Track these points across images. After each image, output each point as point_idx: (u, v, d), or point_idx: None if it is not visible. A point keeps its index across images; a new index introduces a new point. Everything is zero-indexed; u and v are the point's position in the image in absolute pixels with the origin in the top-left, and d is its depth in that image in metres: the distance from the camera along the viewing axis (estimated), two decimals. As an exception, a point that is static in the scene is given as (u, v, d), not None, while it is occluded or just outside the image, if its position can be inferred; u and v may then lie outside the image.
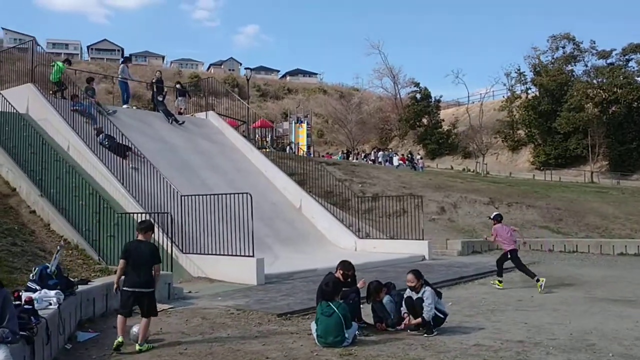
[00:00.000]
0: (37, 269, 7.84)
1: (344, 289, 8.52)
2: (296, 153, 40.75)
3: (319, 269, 14.13)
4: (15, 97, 18.36)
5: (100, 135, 16.98)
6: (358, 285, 8.61)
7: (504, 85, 57.25)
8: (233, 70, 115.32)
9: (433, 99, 61.79)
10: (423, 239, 18.06)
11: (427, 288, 8.37)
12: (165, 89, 23.77)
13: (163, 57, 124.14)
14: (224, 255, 13.05)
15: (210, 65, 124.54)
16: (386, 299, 8.71)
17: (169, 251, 13.30)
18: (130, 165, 16.19)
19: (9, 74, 20.79)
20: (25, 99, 18.06)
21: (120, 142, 16.76)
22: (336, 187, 22.08)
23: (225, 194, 13.29)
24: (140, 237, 7.67)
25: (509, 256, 12.99)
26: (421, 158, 48.44)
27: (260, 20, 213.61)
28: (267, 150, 30.37)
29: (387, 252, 17.81)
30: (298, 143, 45.82)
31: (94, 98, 19.58)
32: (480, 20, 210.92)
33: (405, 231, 18.66)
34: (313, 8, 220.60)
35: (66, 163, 14.54)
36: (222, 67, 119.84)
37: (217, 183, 18.73)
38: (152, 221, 8.64)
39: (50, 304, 7.26)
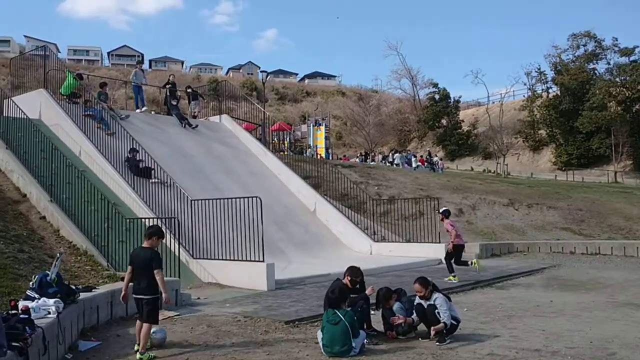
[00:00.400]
0: (36, 277, 7.68)
1: (352, 295, 8.24)
2: (314, 156, 40.65)
3: (331, 274, 13.81)
4: (28, 103, 18.42)
5: (130, 156, 16.43)
6: (367, 292, 8.29)
7: (524, 84, 56.56)
8: (252, 74, 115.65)
9: (452, 100, 61.17)
10: (440, 242, 17.65)
11: (438, 294, 8.05)
12: (179, 93, 23.70)
13: (182, 62, 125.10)
14: (233, 260, 12.83)
15: (229, 69, 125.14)
16: (396, 306, 8.39)
17: (178, 257, 13.15)
18: (151, 181, 15.82)
19: (31, 80, 20.81)
20: (38, 105, 18.08)
21: (145, 164, 16.27)
22: (351, 189, 21.77)
23: (235, 198, 13.08)
24: (145, 244, 7.57)
25: (454, 251, 13.96)
26: (440, 159, 47.86)
27: (280, 24, 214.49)
28: (285, 153, 30.22)
29: (403, 256, 17.48)
30: (316, 146, 45.69)
31: (106, 103, 19.52)
32: (500, 19, 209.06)
33: (422, 234, 18.27)
34: (331, 11, 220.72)
35: (75, 168, 14.41)
36: (241, 71, 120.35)
37: (230, 187, 18.55)
38: (160, 227, 8.40)
39: (49, 313, 7.08)
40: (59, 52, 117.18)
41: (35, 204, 13.93)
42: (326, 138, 48.06)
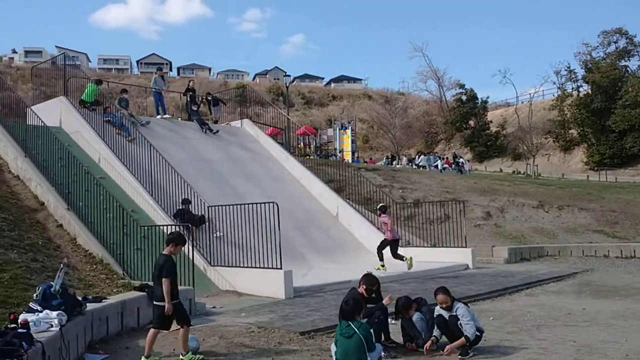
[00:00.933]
0: (40, 288, 7.44)
1: (368, 305, 7.82)
2: (340, 159, 40.20)
3: (353, 281, 13.33)
4: (49, 111, 18.46)
5: (183, 208, 14.64)
6: (384, 301, 7.85)
7: (554, 83, 55.26)
8: (278, 79, 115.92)
9: (479, 101, 60.13)
10: (466, 247, 17.09)
11: (460, 304, 7.58)
12: (201, 98, 23.54)
13: (210, 69, 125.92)
14: (251, 267, 12.51)
15: (256, 75, 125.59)
16: (416, 317, 7.94)
17: (192, 263, 12.87)
18: (216, 235, 14.19)
19: (53, 88, 20.84)
20: (59, 112, 18.06)
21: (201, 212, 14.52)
22: (375, 193, 21.27)
23: (252, 204, 12.75)
24: (164, 251, 7.63)
25: (388, 244, 15.44)
26: (467, 161, 46.98)
27: (306, 30, 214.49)
28: (310, 157, 29.81)
29: (428, 261, 16.92)
30: (342, 149, 45.25)
31: (127, 109, 19.43)
32: (527, 18, 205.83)
33: (448, 238, 17.69)
34: (358, 14, 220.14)
35: (90, 176, 14.26)
36: (267, 76, 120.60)
37: (251, 192, 18.27)
38: (180, 234, 8.20)
39: (52, 326, 6.82)
40: (90, 61, 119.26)
41: (53, 212, 13.80)
42: (352, 141, 47.56)
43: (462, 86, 61.37)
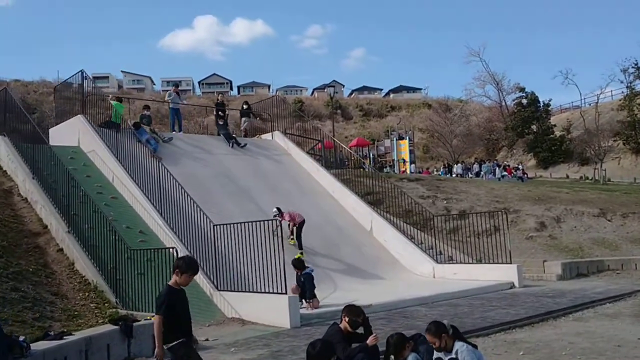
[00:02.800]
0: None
1: (353, 345, 6.45)
2: (398, 171, 38.57)
3: (374, 305, 12.03)
4: (68, 130, 18.05)
5: None
6: (368, 340, 6.43)
7: (621, 82, 51.63)
8: (336, 92, 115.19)
9: (541, 104, 57.03)
10: (511, 262, 15.28)
11: (461, 343, 6.08)
12: (227, 112, 22.70)
13: (269, 86, 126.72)
14: (256, 292, 11.32)
15: (314, 89, 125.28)
16: (411, 357, 6.46)
17: (200, 288, 11.82)
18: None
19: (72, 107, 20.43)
20: (77, 131, 17.56)
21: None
22: (416, 205, 19.66)
23: (255, 222, 11.52)
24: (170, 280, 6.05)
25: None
26: (520, 167, 44.35)
27: (367, 43, 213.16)
28: (364, 170, 28.36)
29: (469, 280, 15.28)
30: (400, 160, 43.65)
31: (149, 126, 18.75)
32: (585, 15, 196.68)
33: (496, 253, 15.85)
34: (416, 22, 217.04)
35: (88, 197, 13.51)
36: (326, 90, 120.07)
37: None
38: (186, 259, 6.47)
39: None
40: (154, 84, 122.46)
41: (55, 236, 13.07)
42: (411, 152, 45.89)
43: (522, 89, 58.44)
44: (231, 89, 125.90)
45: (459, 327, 9.95)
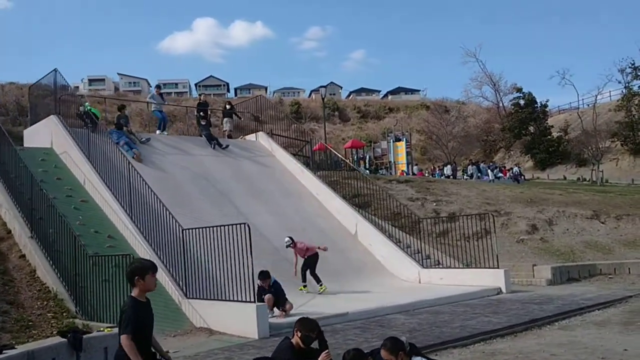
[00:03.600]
0: None
1: (306, 360, 5.87)
2: (395, 173, 37.87)
3: (350, 313, 11.45)
4: (41, 131, 17.46)
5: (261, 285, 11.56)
6: (320, 358, 5.83)
7: (619, 82, 51.05)
8: (334, 94, 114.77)
9: (539, 105, 56.44)
10: (499, 267, 14.69)
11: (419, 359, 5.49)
12: (209, 112, 22.12)
13: (266, 88, 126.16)
14: (224, 300, 10.73)
15: (312, 91, 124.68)
16: (369, 375, 5.88)
17: (168, 295, 11.24)
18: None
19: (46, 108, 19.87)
20: (50, 132, 17.00)
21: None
22: (404, 208, 19.07)
23: (223, 226, 10.93)
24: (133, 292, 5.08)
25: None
26: (513, 168, 43.71)
27: (367, 45, 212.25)
28: (362, 172, 27.73)
29: (455, 285, 14.69)
30: (397, 162, 42.97)
31: (127, 126, 18.18)
32: (582, 13, 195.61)
33: (484, 257, 15.24)
34: (417, 22, 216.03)
35: (47, 198, 12.90)
36: (320, 91, 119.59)
37: (257, 210, 16.63)
38: (140, 262, 5.51)
39: None
40: (150, 86, 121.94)
41: (18, 241, 12.51)
42: (408, 153, 45.21)
43: (519, 90, 57.88)
44: (228, 91, 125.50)
45: (437, 337, 9.40)
